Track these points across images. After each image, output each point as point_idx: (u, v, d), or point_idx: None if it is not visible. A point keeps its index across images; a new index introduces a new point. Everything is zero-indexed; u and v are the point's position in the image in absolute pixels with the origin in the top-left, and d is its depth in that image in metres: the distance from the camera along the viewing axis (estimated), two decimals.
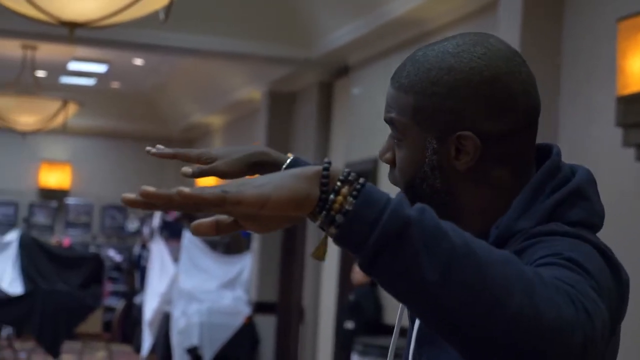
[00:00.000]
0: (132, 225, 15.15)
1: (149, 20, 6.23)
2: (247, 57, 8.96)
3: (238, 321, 10.75)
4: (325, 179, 1.17)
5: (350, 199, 1.15)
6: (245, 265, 11.21)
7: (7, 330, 12.02)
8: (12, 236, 12.53)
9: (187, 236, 11.37)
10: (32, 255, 12.15)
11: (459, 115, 1.39)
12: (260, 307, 10.76)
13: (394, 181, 1.47)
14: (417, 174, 1.42)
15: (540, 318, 1.12)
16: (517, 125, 1.40)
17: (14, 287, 11.78)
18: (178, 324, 10.80)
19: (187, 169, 1.36)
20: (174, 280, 11.26)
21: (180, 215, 12.28)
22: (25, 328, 11.56)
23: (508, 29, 5.49)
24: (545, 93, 5.35)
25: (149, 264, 12.31)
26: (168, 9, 5.75)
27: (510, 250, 1.30)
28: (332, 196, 1.16)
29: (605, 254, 1.30)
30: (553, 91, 5.35)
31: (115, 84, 14.01)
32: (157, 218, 12.92)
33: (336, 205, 1.16)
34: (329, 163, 1.19)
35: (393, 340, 1.57)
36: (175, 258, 11.55)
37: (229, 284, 11.30)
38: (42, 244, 12.60)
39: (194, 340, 10.65)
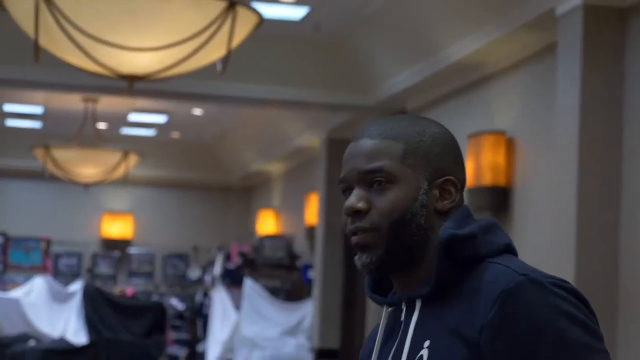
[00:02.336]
0: (194, 273, 15.20)
1: (207, 71, 6.31)
2: (305, 104, 9.01)
3: None
4: None
5: None
6: (306, 312, 11.18)
7: None
8: (76, 286, 12.64)
9: (248, 284, 11.38)
10: (96, 305, 12.24)
11: (443, 163, 1.68)
12: (322, 354, 10.70)
13: (366, 226, 1.65)
14: (408, 210, 1.64)
15: None
16: (464, 180, 1.73)
17: (79, 337, 11.87)
18: None
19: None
20: (236, 328, 11.26)
21: (241, 263, 12.30)
22: None
23: (568, 71, 5.45)
24: (607, 141, 5.29)
25: (211, 312, 12.32)
26: (225, 60, 5.82)
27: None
28: None
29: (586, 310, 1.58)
30: (615, 138, 5.28)
31: (175, 134, 14.15)
32: (218, 266, 12.96)
33: None
34: None
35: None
36: (237, 305, 11.55)
37: (291, 331, 11.26)
38: (105, 294, 12.69)
39: None
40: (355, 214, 1.66)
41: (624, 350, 5.10)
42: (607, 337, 5.14)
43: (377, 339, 1.73)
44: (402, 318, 1.70)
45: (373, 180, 1.67)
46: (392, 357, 1.67)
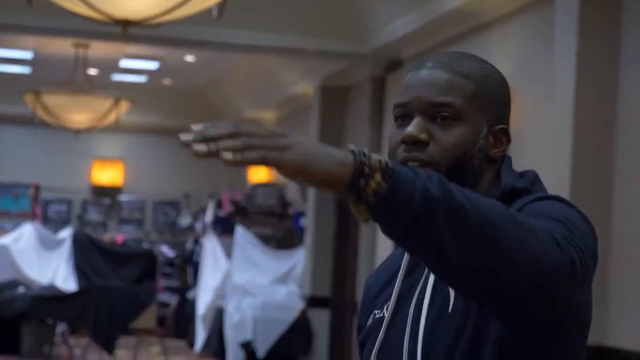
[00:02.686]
0: (185, 220, 15.21)
1: (202, 17, 6.24)
2: (299, 52, 8.95)
3: (292, 316, 10.75)
4: (359, 165, 1.33)
5: (383, 183, 1.34)
6: (298, 259, 11.21)
7: (62, 327, 12.13)
8: (66, 233, 12.64)
9: (239, 231, 11.40)
10: (86, 252, 12.25)
11: (502, 111, 1.67)
12: (313, 302, 10.75)
13: (425, 159, 1.62)
14: (469, 151, 1.62)
15: (538, 261, 1.39)
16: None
17: (68, 284, 11.88)
18: (232, 318, 10.82)
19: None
20: (227, 275, 11.29)
21: (233, 211, 12.31)
22: (79, 324, 11.67)
23: (565, 21, 5.42)
24: (604, 88, 5.28)
25: (201, 259, 12.35)
26: (222, 5, 5.75)
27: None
28: (363, 180, 1.34)
29: (581, 212, 1.57)
30: (611, 87, 5.27)
31: (166, 81, 14.07)
32: (209, 213, 12.97)
33: (369, 190, 1.34)
34: (361, 153, 1.35)
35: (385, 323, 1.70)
36: (228, 253, 11.57)
37: (283, 279, 11.30)
38: (95, 241, 12.69)
39: (248, 335, 10.67)
40: (415, 143, 1.62)
41: (616, 298, 5.14)
42: (599, 287, 5.17)
43: (400, 273, 1.71)
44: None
45: (439, 113, 1.63)
46: (419, 292, 1.66)
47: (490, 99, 1.65)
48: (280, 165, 1.32)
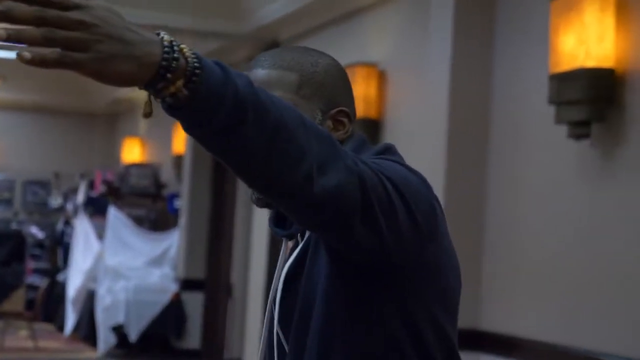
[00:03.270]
0: (55, 201, 14.88)
1: None
2: (173, 30, 8.81)
3: (165, 298, 10.65)
4: (162, 69, 1.29)
5: (183, 90, 1.29)
6: (172, 242, 11.10)
7: None
8: None
9: (112, 212, 11.22)
10: None
11: (336, 94, 1.70)
12: (187, 284, 10.68)
13: None
14: None
15: (324, 167, 1.40)
16: (355, 111, 1.76)
17: None
18: (103, 301, 10.65)
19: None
20: (99, 257, 11.11)
21: (105, 191, 12.10)
22: None
23: (440, 7, 5.46)
24: (478, 70, 5.35)
25: (72, 241, 12.12)
26: None
27: None
28: (161, 84, 1.29)
29: (412, 170, 1.60)
30: (486, 69, 5.34)
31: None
32: (81, 194, 12.73)
33: (166, 92, 1.30)
34: (172, 50, 1.30)
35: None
36: (100, 235, 11.38)
37: (156, 261, 11.18)
38: None
39: (120, 318, 10.53)
40: None
41: (488, 285, 5.22)
42: (471, 272, 5.24)
43: (276, 271, 1.74)
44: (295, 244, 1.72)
45: None
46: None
47: (320, 85, 1.69)
48: (78, 70, 1.26)
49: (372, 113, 6.48)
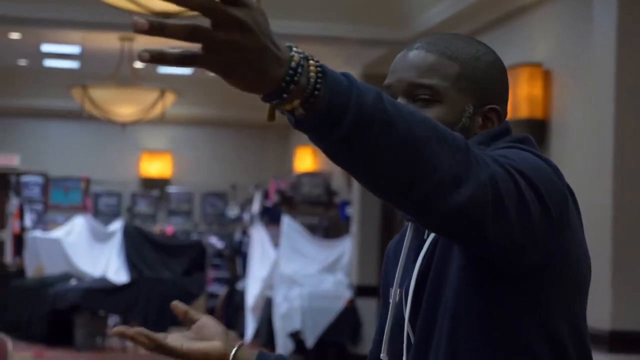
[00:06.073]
0: (233, 211, 15.28)
1: None
2: (340, 40, 8.93)
3: (339, 305, 10.75)
4: (285, 84, 1.28)
5: (300, 110, 1.29)
6: (345, 248, 11.21)
7: (114, 319, 12.26)
8: (116, 226, 12.78)
9: (286, 221, 11.42)
10: (136, 244, 12.37)
11: (492, 91, 1.67)
12: (361, 291, 10.74)
13: None
14: None
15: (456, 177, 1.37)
16: (506, 112, 1.72)
17: (120, 276, 12.02)
18: (280, 308, 10.85)
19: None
20: (275, 265, 11.32)
21: (279, 201, 12.34)
22: (130, 316, 11.78)
23: (604, 6, 5.34)
24: None
25: (250, 250, 12.40)
26: None
27: None
28: (282, 97, 1.29)
29: (544, 158, 1.56)
30: None
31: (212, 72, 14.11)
32: (256, 204, 13.01)
33: (286, 107, 1.30)
34: (297, 68, 1.28)
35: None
36: (275, 243, 11.60)
37: (330, 268, 11.31)
38: (145, 233, 12.82)
39: (297, 325, 10.69)
40: None
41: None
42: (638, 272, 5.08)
43: (402, 254, 1.72)
44: (426, 236, 1.69)
45: (420, 95, 1.65)
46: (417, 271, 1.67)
47: (478, 80, 1.66)
48: (200, 67, 1.26)
49: (537, 113, 6.39)
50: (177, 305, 1.84)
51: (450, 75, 1.64)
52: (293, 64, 1.28)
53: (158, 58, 1.23)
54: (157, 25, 1.21)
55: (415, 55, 1.66)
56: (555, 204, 1.51)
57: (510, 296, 1.55)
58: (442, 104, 1.64)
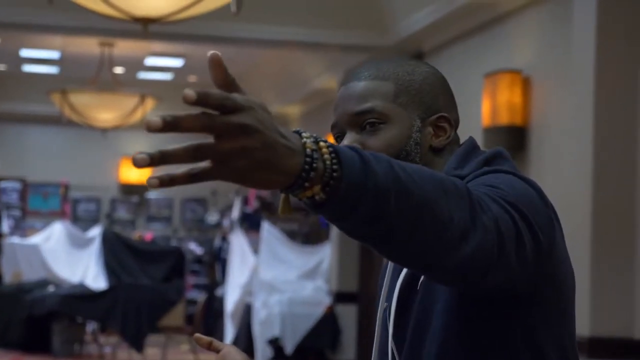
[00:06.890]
0: (212, 217, 15.25)
1: (223, 13, 6.24)
2: (321, 46, 8.94)
3: (319, 311, 10.75)
4: (301, 178, 1.23)
5: (321, 194, 1.25)
6: (324, 255, 11.20)
7: (92, 325, 12.20)
8: (95, 232, 12.72)
9: (265, 227, 11.40)
10: (115, 251, 12.31)
11: (435, 101, 1.69)
12: (340, 297, 10.74)
13: None
14: (402, 149, 1.65)
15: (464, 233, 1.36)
16: (457, 118, 1.74)
17: (98, 282, 11.95)
18: (259, 315, 10.83)
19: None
20: (255, 272, 11.30)
21: (259, 207, 12.32)
22: (109, 323, 11.72)
23: (584, 9, 5.37)
24: (624, 72, 5.23)
25: (229, 256, 12.37)
26: (239, 1, 5.75)
27: None
28: (298, 190, 1.24)
29: (526, 180, 1.55)
30: (632, 71, 5.22)
31: (192, 78, 14.11)
32: (236, 210, 12.99)
33: (304, 195, 1.25)
34: (312, 158, 1.23)
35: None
36: (255, 249, 11.58)
37: (309, 274, 11.30)
38: (124, 239, 12.76)
39: (276, 331, 10.68)
40: None
41: None
42: (623, 280, 5.11)
43: (387, 269, 1.75)
44: None
45: (365, 122, 1.66)
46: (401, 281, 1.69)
47: (417, 92, 1.68)
48: (217, 179, 1.24)
49: (517, 120, 6.40)
50: (201, 337, 1.82)
51: (388, 94, 1.67)
52: (308, 150, 1.24)
53: (168, 182, 1.21)
54: (159, 157, 1.20)
55: (350, 87, 1.69)
56: (544, 232, 1.51)
57: (498, 320, 1.56)
58: (389, 124, 1.66)
